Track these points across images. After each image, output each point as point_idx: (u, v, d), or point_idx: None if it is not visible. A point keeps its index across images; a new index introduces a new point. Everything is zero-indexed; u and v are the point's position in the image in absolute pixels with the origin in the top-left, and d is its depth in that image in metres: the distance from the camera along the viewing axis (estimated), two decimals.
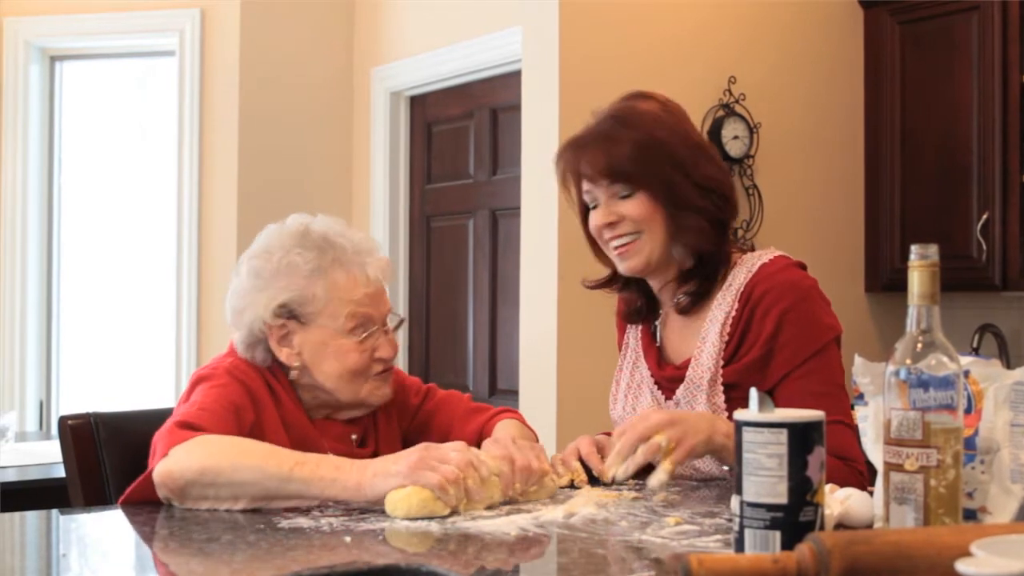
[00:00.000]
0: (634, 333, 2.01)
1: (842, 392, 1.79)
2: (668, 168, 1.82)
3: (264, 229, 1.90)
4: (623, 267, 1.88)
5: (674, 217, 1.83)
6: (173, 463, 1.59)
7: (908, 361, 1.20)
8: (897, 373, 1.20)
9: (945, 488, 1.18)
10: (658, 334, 1.96)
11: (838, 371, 1.80)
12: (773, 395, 1.76)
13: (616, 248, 1.87)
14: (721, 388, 1.80)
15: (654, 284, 1.94)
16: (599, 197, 1.86)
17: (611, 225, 1.85)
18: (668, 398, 1.88)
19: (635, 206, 1.83)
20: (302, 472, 1.56)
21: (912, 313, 1.22)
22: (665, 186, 1.81)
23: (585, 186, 1.87)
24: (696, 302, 1.86)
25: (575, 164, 1.87)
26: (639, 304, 1.98)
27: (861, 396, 1.39)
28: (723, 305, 1.83)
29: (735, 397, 1.78)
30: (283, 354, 1.82)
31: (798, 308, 1.78)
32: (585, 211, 1.93)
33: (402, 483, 1.51)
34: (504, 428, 1.90)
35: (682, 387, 1.85)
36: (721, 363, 1.81)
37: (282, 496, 1.57)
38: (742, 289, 1.82)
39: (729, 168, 1.97)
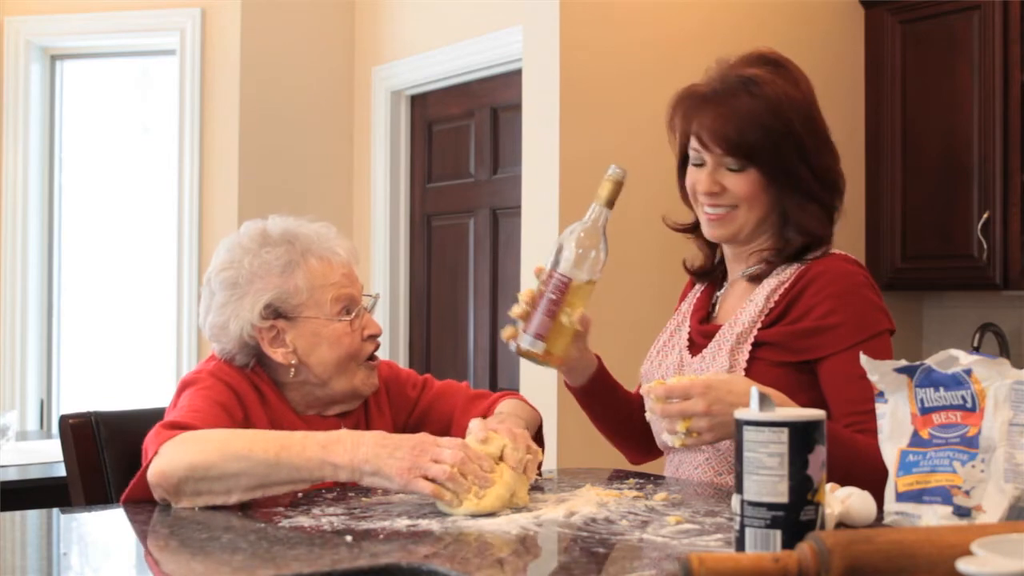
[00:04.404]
0: (691, 299, 2.01)
1: None
2: (793, 155, 1.79)
3: (220, 244, 1.89)
4: (709, 233, 1.87)
5: (788, 200, 1.81)
6: (165, 462, 1.58)
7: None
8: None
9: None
10: (718, 302, 1.95)
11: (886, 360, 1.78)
12: (815, 369, 1.76)
13: (708, 214, 1.85)
14: (749, 346, 1.78)
15: (728, 252, 1.93)
16: (706, 161, 1.82)
17: (711, 194, 1.82)
18: (695, 355, 1.87)
19: (742, 182, 1.80)
20: (289, 456, 1.55)
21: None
22: (783, 172, 1.79)
23: (694, 143, 1.83)
24: (769, 273, 1.85)
25: (688, 121, 1.82)
26: (712, 264, 1.98)
27: (881, 394, 1.40)
28: (780, 275, 1.83)
29: (760, 357, 1.77)
30: (278, 355, 1.82)
31: (856, 293, 1.77)
32: (684, 159, 1.89)
33: (396, 489, 1.52)
34: (505, 406, 1.90)
35: (713, 341, 1.84)
36: (759, 324, 1.79)
37: (274, 483, 1.56)
38: (804, 266, 1.81)
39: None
